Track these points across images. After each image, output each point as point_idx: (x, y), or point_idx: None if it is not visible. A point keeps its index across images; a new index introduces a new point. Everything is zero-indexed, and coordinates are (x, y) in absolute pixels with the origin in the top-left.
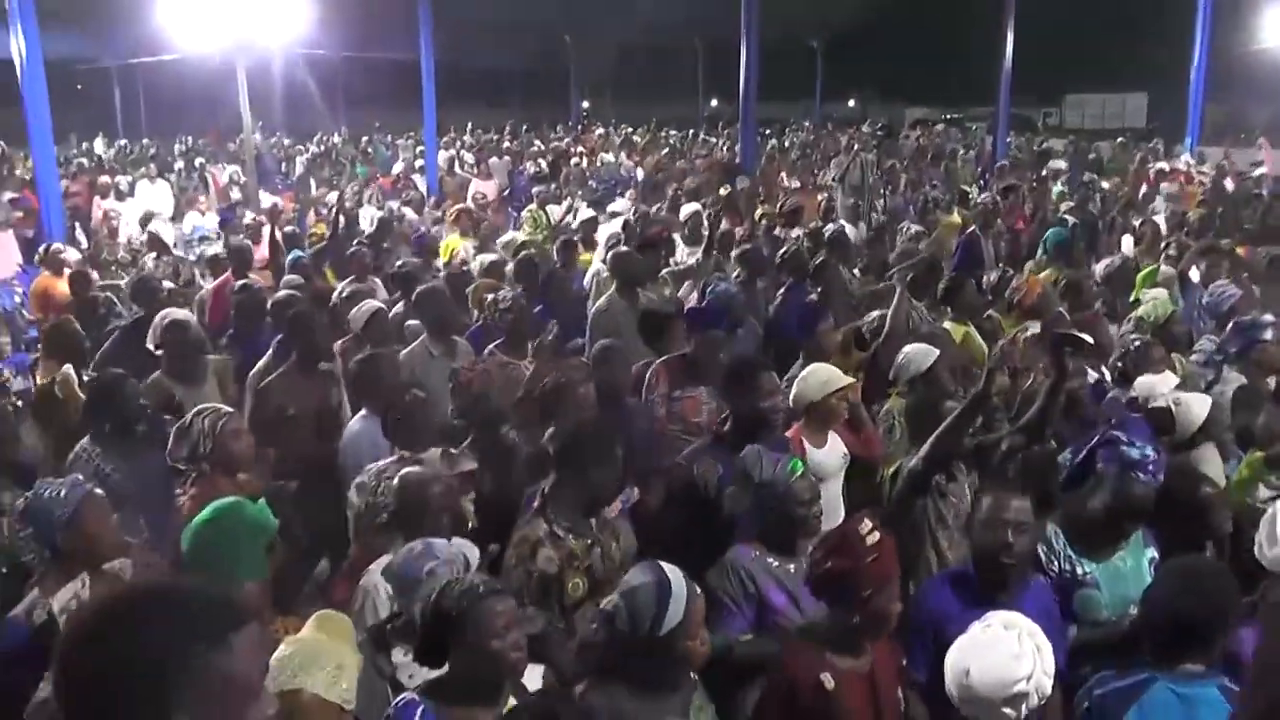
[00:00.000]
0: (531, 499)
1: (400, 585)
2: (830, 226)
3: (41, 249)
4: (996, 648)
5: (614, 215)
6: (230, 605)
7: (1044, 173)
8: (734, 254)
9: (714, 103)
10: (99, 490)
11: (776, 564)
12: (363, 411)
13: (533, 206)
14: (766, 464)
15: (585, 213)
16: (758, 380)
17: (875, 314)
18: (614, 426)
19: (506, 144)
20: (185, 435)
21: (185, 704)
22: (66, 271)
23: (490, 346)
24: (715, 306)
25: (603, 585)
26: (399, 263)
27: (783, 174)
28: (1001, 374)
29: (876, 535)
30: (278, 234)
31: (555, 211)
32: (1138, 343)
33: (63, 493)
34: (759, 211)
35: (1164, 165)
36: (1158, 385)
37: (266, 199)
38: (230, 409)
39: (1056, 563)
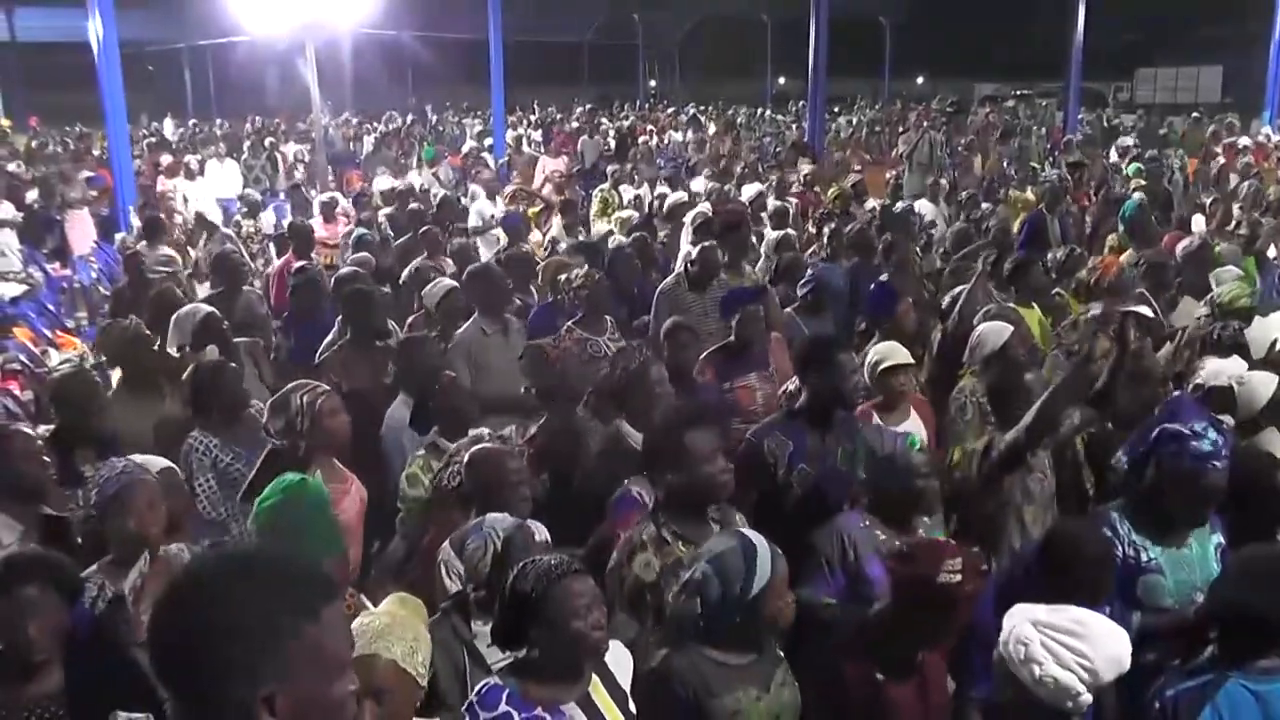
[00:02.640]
0: (625, 498)
1: (458, 555)
2: (902, 204)
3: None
4: (1103, 626)
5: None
6: (322, 578)
7: (1113, 149)
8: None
9: (781, 80)
10: (149, 479)
11: (884, 537)
12: (401, 395)
13: (605, 186)
14: (888, 438)
15: (663, 191)
16: (835, 360)
17: (955, 291)
18: (718, 418)
19: (574, 123)
20: (283, 409)
21: (275, 673)
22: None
23: (568, 324)
24: (812, 285)
25: None
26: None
27: (849, 152)
28: (1105, 338)
29: (956, 578)
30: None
31: (628, 191)
32: (1229, 329)
33: (113, 473)
34: (832, 191)
35: (1244, 141)
36: (1227, 368)
37: (384, 181)
38: (328, 387)
39: (1120, 548)
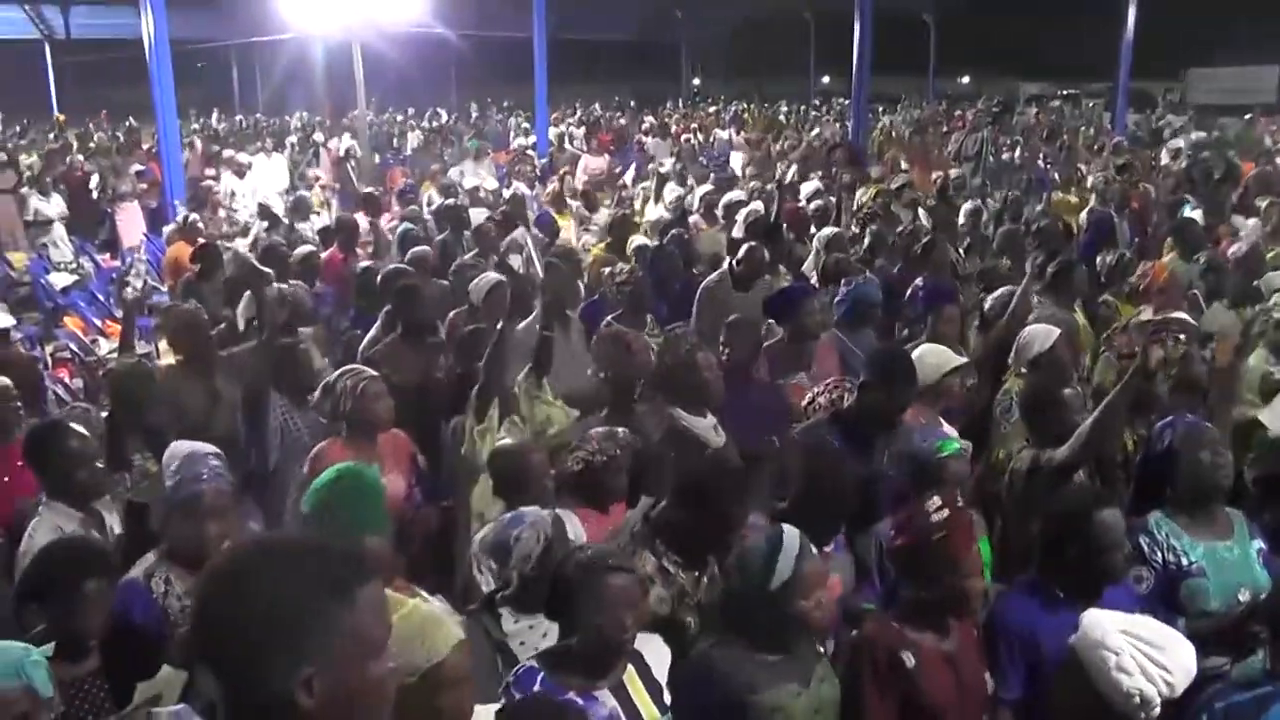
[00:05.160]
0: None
1: (495, 555)
2: (968, 205)
3: (180, 219)
4: (1177, 637)
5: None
6: (357, 560)
7: (1163, 151)
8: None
9: (825, 79)
10: (227, 487)
11: None
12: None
13: (648, 184)
14: (918, 438)
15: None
16: (905, 375)
17: (1001, 291)
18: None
19: (619, 121)
20: (329, 392)
21: (311, 655)
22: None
23: (608, 318)
24: (850, 301)
25: (711, 619)
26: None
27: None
28: (1159, 349)
29: (945, 512)
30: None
31: (672, 190)
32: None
33: (195, 472)
34: (872, 189)
35: None
36: None
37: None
38: (374, 371)
39: (1160, 553)
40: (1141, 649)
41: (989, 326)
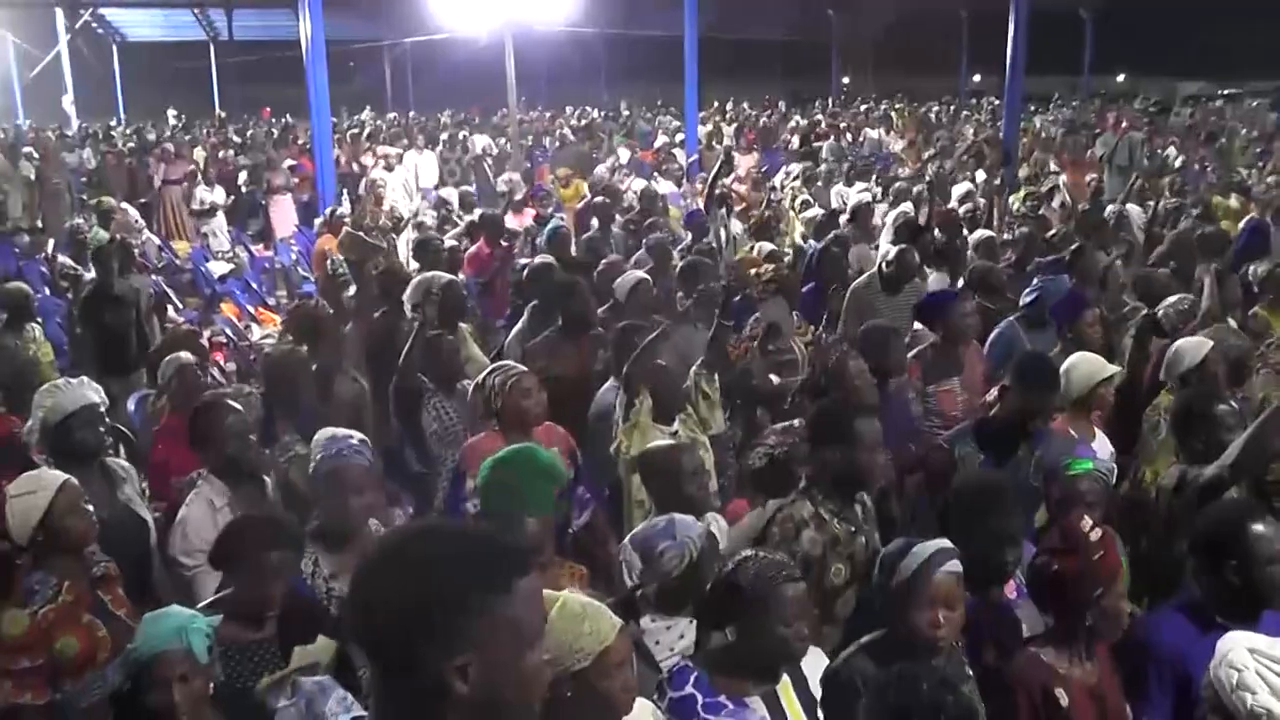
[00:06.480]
0: None
1: (642, 557)
2: (1113, 208)
3: (327, 212)
4: None
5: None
6: (517, 552)
7: None
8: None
9: (976, 78)
10: (361, 462)
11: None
12: (610, 381)
13: (798, 184)
14: (1053, 454)
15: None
16: (1049, 382)
17: (1176, 298)
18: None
19: (765, 120)
20: (481, 388)
21: (467, 643)
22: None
23: (754, 317)
24: (1038, 294)
25: (863, 574)
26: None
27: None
28: None
29: (1099, 531)
30: None
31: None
32: None
33: (331, 451)
34: (1021, 193)
35: None
36: None
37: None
38: (525, 369)
39: None
40: (1271, 667)
41: (1167, 335)
